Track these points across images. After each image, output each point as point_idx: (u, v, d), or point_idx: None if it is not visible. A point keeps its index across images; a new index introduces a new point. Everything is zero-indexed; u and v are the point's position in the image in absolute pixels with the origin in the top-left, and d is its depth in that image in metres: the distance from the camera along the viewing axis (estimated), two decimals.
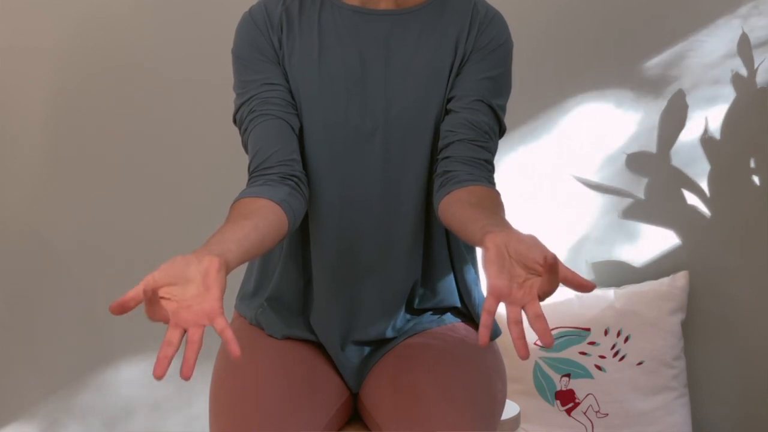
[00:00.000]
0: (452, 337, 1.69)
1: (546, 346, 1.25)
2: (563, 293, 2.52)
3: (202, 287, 1.28)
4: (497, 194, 1.58)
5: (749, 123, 2.59)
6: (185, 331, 1.26)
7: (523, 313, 1.27)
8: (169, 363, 1.22)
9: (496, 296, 1.27)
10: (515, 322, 1.26)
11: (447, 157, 1.62)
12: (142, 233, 2.64)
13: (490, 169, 1.64)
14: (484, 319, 1.26)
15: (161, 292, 1.27)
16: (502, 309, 2.58)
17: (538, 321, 1.25)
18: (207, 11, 2.59)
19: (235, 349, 1.24)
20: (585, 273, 2.64)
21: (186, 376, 1.21)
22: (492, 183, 1.62)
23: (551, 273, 1.25)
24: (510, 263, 1.29)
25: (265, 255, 1.74)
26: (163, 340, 1.24)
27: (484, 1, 1.70)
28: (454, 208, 1.52)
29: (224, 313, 1.27)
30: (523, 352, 1.23)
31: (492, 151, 1.65)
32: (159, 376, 1.21)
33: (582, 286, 1.27)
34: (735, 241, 2.63)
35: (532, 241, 1.30)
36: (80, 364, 2.69)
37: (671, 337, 2.56)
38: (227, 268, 1.33)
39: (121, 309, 1.25)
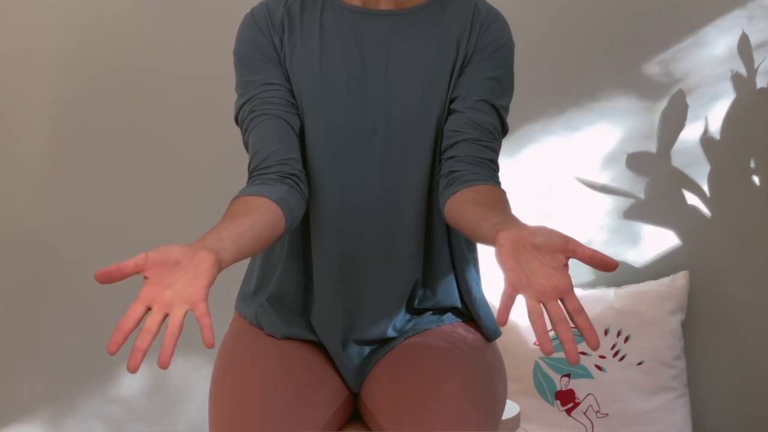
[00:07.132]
0: (452, 337, 1.69)
1: (570, 359, 1.22)
2: None
3: (190, 274, 1.28)
4: (503, 193, 1.59)
5: (749, 123, 2.59)
6: (165, 316, 1.25)
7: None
8: (143, 355, 1.21)
9: (515, 287, 1.24)
10: (537, 316, 1.23)
11: (452, 157, 1.62)
12: (144, 234, 2.64)
13: (494, 168, 1.64)
14: (503, 302, 1.23)
15: (149, 273, 1.28)
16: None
17: (562, 324, 1.23)
18: (209, 13, 2.59)
19: (209, 336, 1.22)
20: (585, 272, 2.64)
21: (163, 365, 1.21)
22: (497, 182, 1.62)
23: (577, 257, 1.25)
24: (526, 258, 1.28)
25: (267, 255, 1.74)
26: (141, 329, 1.23)
27: (485, 1, 1.70)
28: (462, 207, 1.52)
29: (207, 301, 1.27)
30: (547, 347, 1.21)
31: (496, 150, 1.65)
32: (133, 370, 1.20)
33: (606, 263, 1.26)
34: (735, 241, 2.63)
35: (547, 231, 1.29)
36: (81, 366, 2.69)
37: (671, 337, 2.55)
38: (220, 266, 1.33)
39: (105, 277, 1.26)
